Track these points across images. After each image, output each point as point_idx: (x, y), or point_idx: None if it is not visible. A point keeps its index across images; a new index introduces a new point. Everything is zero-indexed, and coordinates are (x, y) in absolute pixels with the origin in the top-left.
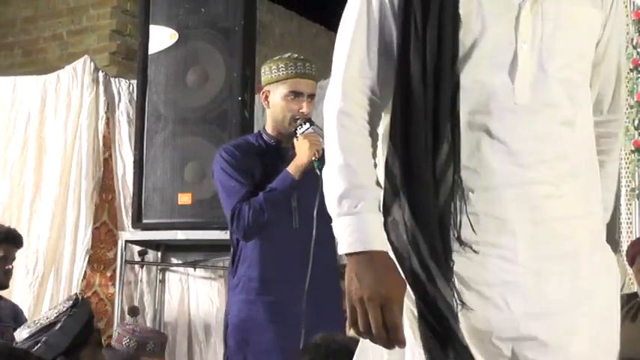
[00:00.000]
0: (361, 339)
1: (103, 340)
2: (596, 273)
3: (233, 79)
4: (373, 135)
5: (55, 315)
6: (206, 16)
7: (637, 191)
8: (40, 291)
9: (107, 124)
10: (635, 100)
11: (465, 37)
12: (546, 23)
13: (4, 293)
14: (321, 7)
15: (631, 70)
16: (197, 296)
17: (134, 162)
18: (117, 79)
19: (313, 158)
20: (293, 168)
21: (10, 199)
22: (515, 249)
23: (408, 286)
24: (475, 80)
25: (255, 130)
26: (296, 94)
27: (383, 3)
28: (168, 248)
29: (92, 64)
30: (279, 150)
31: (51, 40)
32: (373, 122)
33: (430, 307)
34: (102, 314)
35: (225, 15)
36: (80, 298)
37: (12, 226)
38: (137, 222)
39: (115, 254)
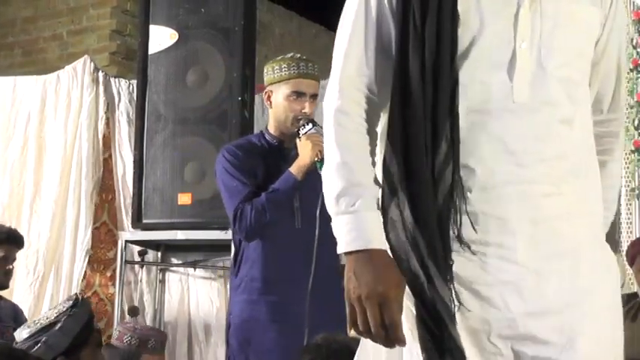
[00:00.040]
0: (362, 339)
1: (102, 340)
2: (596, 272)
3: (233, 79)
4: (372, 133)
5: (55, 315)
6: (206, 16)
7: (637, 191)
8: (40, 291)
9: (107, 124)
10: (635, 100)
11: (464, 35)
12: (545, 21)
13: (4, 293)
14: (321, 7)
15: (631, 70)
16: (197, 296)
17: (134, 162)
18: (117, 79)
19: (315, 159)
20: (295, 168)
21: (10, 199)
22: (515, 248)
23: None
24: (473, 78)
25: (255, 130)
26: (298, 95)
27: (381, 1)
28: (168, 248)
29: (92, 64)
30: (281, 150)
31: (51, 40)
32: (371, 120)
33: (427, 307)
34: (102, 314)
35: (225, 15)
36: (80, 298)
37: (12, 226)
38: (137, 222)
39: (115, 254)
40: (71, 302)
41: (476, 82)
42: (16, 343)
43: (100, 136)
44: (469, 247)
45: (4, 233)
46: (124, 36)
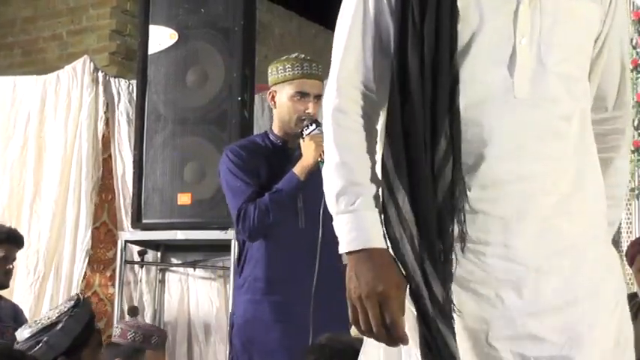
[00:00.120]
0: (365, 338)
1: (102, 340)
2: (597, 270)
3: (233, 79)
4: (371, 131)
5: (57, 315)
6: (206, 16)
7: (637, 191)
8: (41, 291)
9: (107, 124)
10: (635, 100)
11: (463, 31)
12: (545, 17)
13: (4, 293)
14: (320, 7)
15: (631, 71)
16: (197, 296)
17: (134, 162)
18: (116, 79)
19: (319, 159)
20: (299, 169)
21: (10, 199)
22: (515, 247)
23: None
24: (473, 74)
25: (255, 130)
26: (302, 95)
27: None
28: (168, 248)
29: (92, 64)
30: (285, 150)
31: (51, 40)
32: (370, 119)
33: (421, 307)
34: (101, 314)
35: (225, 15)
36: (81, 298)
37: (12, 226)
38: (137, 222)
39: (115, 254)
40: (72, 302)
41: (476, 79)
42: (18, 342)
43: (100, 136)
44: (468, 246)
45: (4, 233)
46: (124, 36)
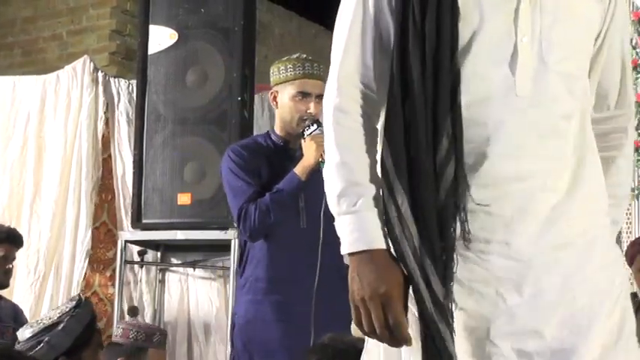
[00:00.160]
0: (366, 339)
1: (102, 341)
2: (599, 265)
3: (232, 79)
4: (372, 131)
5: (58, 315)
6: (206, 16)
7: (637, 191)
8: (41, 291)
9: (107, 124)
10: (635, 100)
11: (464, 30)
12: (545, 16)
13: (4, 293)
14: (320, 7)
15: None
16: (197, 296)
17: (133, 162)
18: (116, 79)
19: (320, 159)
20: (300, 169)
21: (10, 199)
22: (515, 244)
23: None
24: (475, 73)
25: (255, 130)
26: (304, 95)
27: None
28: (168, 248)
29: (92, 64)
30: (287, 150)
31: (50, 40)
32: (370, 118)
33: (420, 307)
34: (101, 314)
35: (225, 15)
36: (83, 298)
37: (12, 226)
38: (136, 222)
39: (115, 254)
40: (74, 303)
41: (477, 77)
42: (19, 342)
43: (100, 136)
44: (470, 245)
45: (3, 233)
46: (124, 36)
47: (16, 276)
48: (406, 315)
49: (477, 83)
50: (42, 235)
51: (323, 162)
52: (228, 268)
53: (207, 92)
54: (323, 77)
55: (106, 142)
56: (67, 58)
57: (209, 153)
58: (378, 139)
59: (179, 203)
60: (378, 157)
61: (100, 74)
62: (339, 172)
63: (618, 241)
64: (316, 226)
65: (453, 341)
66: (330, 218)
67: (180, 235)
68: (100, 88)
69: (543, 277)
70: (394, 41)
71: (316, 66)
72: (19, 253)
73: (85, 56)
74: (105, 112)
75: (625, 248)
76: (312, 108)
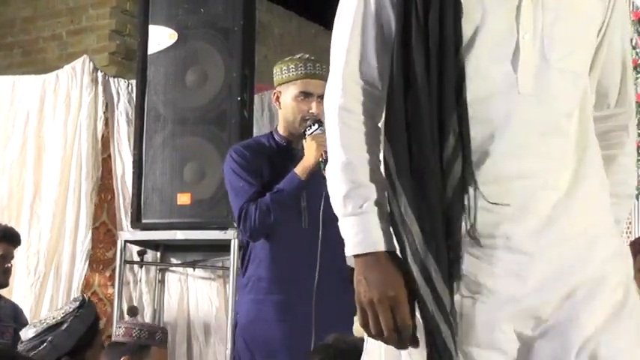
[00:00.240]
0: (366, 339)
1: (103, 341)
2: (601, 258)
3: (232, 79)
4: (376, 130)
5: (62, 315)
6: (205, 16)
7: (637, 191)
8: (41, 291)
9: (106, 124)
10: (635, 100)
11: (466, 26)
12: (547, 13)
13: (4, 293)
14: (320, 7)
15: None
16: (196, 296)
17: (133, 162)
18: (116, 79)
19: (320, 159)
20: (300, 169)
21: (9, 199)
22: (517, 238)
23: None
24: (477, 70)
25: (255, 130)
26: (306, 95)
27: None
28: (168, 248)
29: (91, 64)
30: (289, 150)
31: (50, 40)
32: (374, 117)
33: (421, 306)
34: (101, 314)
35: (225, 15)
36: (86, 299)
37: (10, 226)
38: (136, 222)
39: (114, 254)
40: (78, 303)
41: (479, 74)
42: (22, 342)
43: (99, 136)
44: (475, 241)
45: (0, 232)
46: (124, 36)
47: (15, 276)
48: (413, 317)
49: (479, 80)
50: (42, 236)
51: (323, 162)
52: (228, 268)
53: (207, 92)
54: (325, 77)
55: (106, 142)
56: (67, 58)
57: (209, 153)
58: (381, 137)
59: (179, 203)
60: (382, 156)
61: (100, 74)
62: (344, 172)
63: None
64: (318, 226)
65: (454, 341)
66: (330, 219)
67: (179, 235)
68: (100, 88)
69: (546, 268)
70: (395, 36)
71: (318, 66)
72: (19, 254)
73: (85, 56)
74: (104, 112)
75: None
76: (314, 108)
